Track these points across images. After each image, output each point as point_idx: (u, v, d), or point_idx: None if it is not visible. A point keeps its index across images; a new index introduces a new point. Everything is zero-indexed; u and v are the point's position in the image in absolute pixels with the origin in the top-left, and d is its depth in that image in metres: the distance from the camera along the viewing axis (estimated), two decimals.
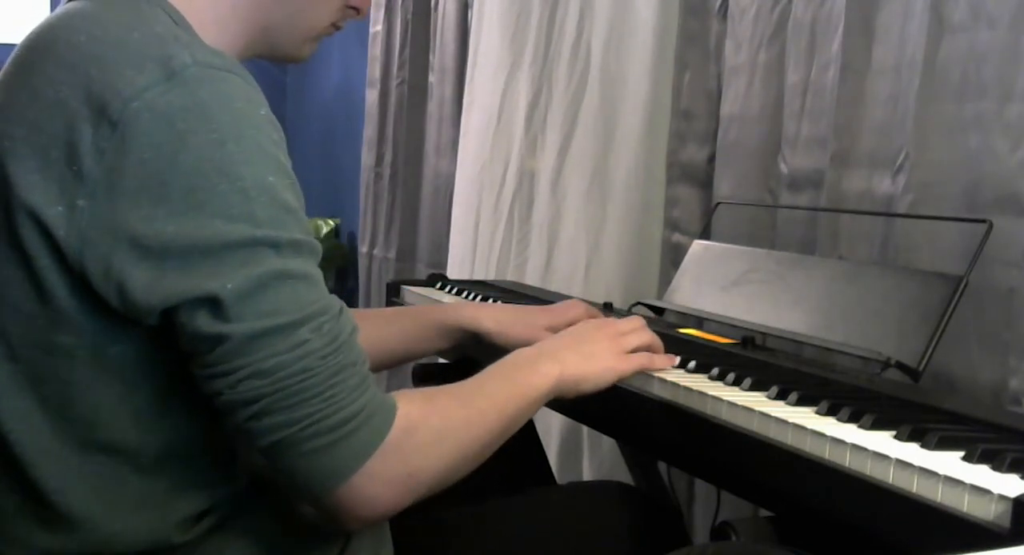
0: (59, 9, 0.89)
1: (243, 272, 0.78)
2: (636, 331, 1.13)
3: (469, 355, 1.35)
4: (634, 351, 1.11)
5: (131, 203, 0.78)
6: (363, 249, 3.52)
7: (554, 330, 1.30)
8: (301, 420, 0.80)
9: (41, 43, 0.86)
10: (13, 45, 0.90)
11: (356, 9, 1.01)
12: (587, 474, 2.12)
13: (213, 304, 0.78)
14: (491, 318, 1.30)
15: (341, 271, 4.06)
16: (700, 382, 1.12)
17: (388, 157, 3.32)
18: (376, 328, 1.29)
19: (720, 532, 0.99)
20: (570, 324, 1.33)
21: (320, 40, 1.02)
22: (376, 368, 1.32)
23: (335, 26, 1.01)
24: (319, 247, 0.85)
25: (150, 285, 0.78)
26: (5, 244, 0.82)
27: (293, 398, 0.79)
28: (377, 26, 3.38)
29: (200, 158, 0.78)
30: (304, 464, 0.81)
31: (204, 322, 0.78)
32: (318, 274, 0.84)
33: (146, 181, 0.78)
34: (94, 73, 0.80)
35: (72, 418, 0.84)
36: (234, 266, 0.78)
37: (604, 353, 1.07)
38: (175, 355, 0.82)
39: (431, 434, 0.87)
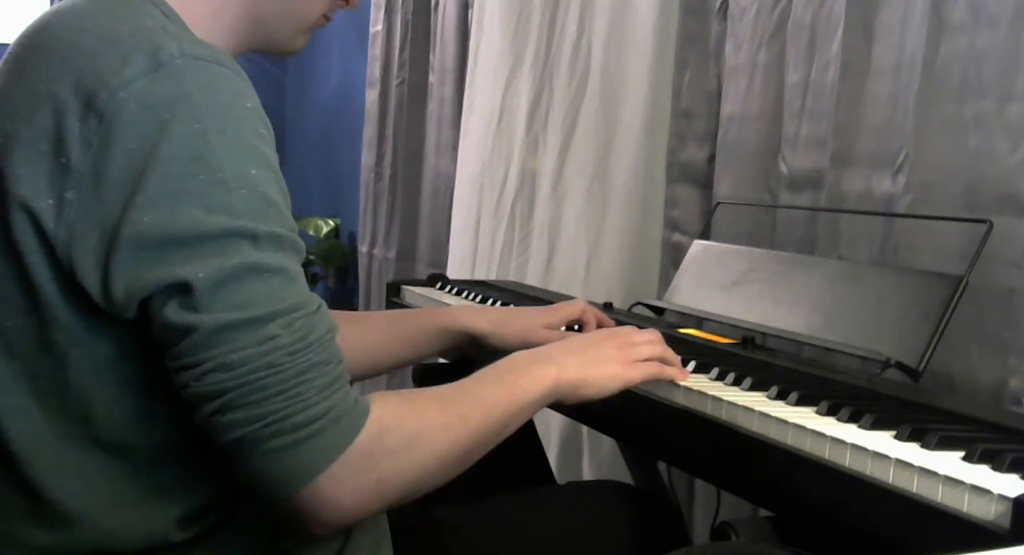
0: (52, 6, 0.89)
1: (217, 262, 0.78)
2: (650, 343, 1.10)
3: (469, 356, 1.34)
4: (645, 362, 1.08)
5: (115, 193, 0.78)
6: (363, 249, 3.52)
7: (551, 328, 1.30)
8: (263, 417, 0.78)
9: (34, 40, 0.86)
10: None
11: (345, 0, 1.01)
12: (587, 474, 2.12)
13: (184, 293, 0.78)
14: (487, 319, 1.30)
15: (341, 271, 4.06)
16: (700, 382, 1.12)
17: (388, 157, 3.32)
18: (374, 332, 1.29)
19: (720, 532, 0.99)
20: (568, 321, 1.33)
21: (311, 32, 1.02)
22: (374, 372, 1.32)
23: (326, 17, 1.01)
24: (302, 244, 0.84)
25: (128, 275, 0.78)
26: (1, 240, 0.82)
27: (256, 394, 0.78)
28: (377, 26, 3.38)
29: (181, 148, 0.78)
30: (266, 463, 0.79)
31: (174, 312, 0.78)
32: (297, 270, 0.83)
33: (129, 171, 0.78)
34: (84, 66, 0.80)
35: (69, 415, 0.84)
36: (209, 256, 0.78)
37: (610, 361, 1.04)
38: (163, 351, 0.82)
39: (404, 439, 0.84)
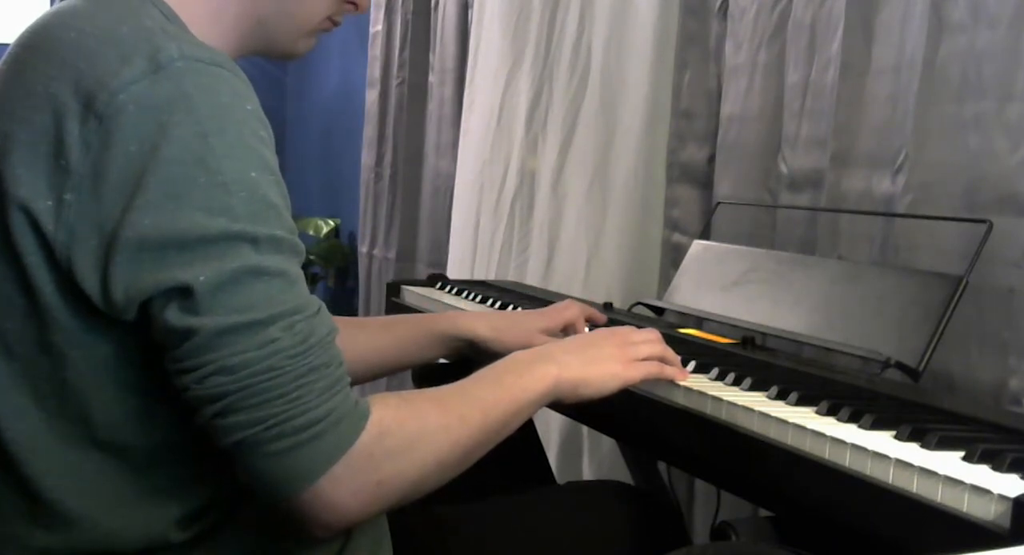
0: (52, 7, 0.89)
1: (217, 265, 0.78)
2: (649, 342, 1.10)
3: (469, 358, 1.35)
4: (645, 361, 1.08)
5: (114, 195, 0.78)
6: (363, 249, 3.52)
7: (549, 333, 1.31)
8: (265, 420, 0.78)
9: (34, 40, 0.86)
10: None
11: (354, 4, 1.00)
12: (587, 474, 2.12)
13: (185, 296, 0.78)
14: (486, 325, 1.31)
15: (341, 271, 4.06)
16: (700, 382, 1.12)
17: (388, 157, 3.33)
18: (372, 336, 1.29)
19: (720, 532, 1.00)
20: (566, 325, 1.34)
21: (317, 35, 1.01)
22: (372, 376, 1.32)
23: (332, 21, 1.00)
24: (302, 247, 0.84)
25: (127, 278, 0.78)
26: (0, 242, 0.82)
27: (257, 397, 0.78)
28: (377, 26, 3.38)
29: (181, 151, 0.78)
30: (267, 466, 0.79)
31: (174, 315, 0.78)
32: (297, 273, 0.83)
33: (129, 173, 0.78)
34: (83, 67, 0.80)
35: (68, 416, 0.84)
36: (209, 259, 0.78)
37: (610, 359, 1.04)
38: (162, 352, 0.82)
39: (405, 440, 0.85)
